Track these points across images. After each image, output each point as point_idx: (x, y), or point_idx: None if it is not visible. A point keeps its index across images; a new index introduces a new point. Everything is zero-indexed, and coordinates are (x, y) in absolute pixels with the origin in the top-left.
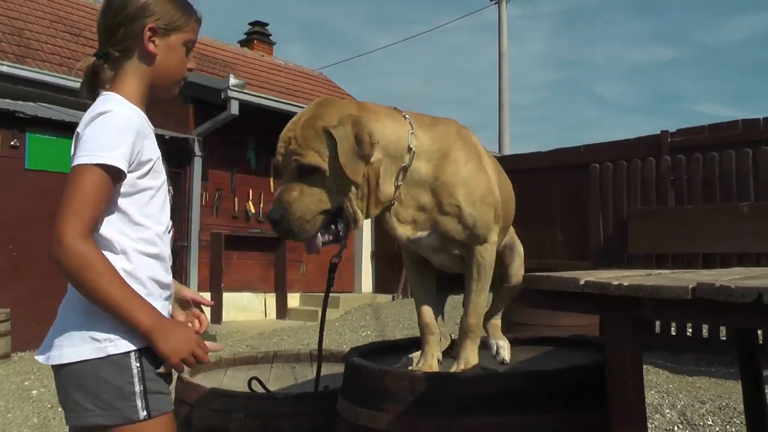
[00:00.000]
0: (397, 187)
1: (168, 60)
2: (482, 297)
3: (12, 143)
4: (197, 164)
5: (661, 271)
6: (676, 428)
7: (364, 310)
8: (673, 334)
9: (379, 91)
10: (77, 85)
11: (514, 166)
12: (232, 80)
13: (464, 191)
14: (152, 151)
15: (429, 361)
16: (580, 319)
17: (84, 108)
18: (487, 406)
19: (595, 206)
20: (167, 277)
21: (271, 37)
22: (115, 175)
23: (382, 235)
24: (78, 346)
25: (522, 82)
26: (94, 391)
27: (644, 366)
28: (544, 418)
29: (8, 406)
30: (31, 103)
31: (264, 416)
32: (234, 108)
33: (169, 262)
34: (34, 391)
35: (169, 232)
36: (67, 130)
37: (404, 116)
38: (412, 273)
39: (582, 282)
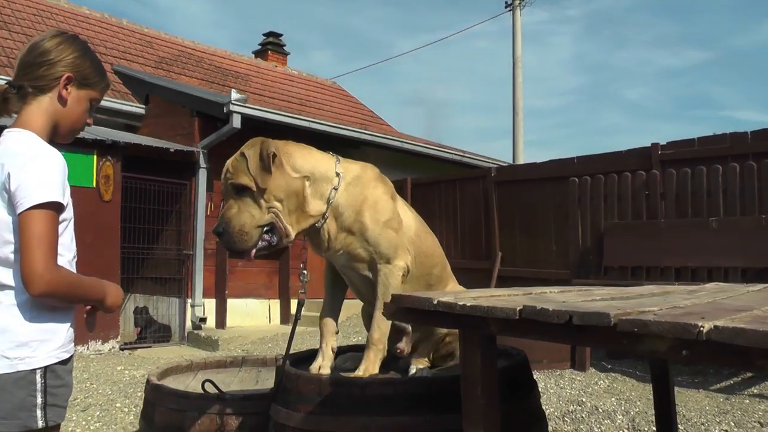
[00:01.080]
0: (328, 204)
1: (74, 108)
2: (384, 317)
3: None
4: (202, 176)
5: (548, 290)
6: None
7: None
8: None
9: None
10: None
11: (511, 176)
12: (234, 95)
13: (370, 213)
14: (67, 188)
15: (323, 360)
16: None
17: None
18: (379, 407)
19: (574, 219)
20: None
21: (284, 48)
22: (58, 209)
23: None
24: None
25: (547, 87)
26: (1, 402)
27: (613, 374)
28: (425, 419)
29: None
30: None
31: (214, 415)
32: (236, 122)
33: None
34: None
35: (74, 259)
36: (76, 144)
37: (332, 154)
38: (326, 284)
39: (435, 302)
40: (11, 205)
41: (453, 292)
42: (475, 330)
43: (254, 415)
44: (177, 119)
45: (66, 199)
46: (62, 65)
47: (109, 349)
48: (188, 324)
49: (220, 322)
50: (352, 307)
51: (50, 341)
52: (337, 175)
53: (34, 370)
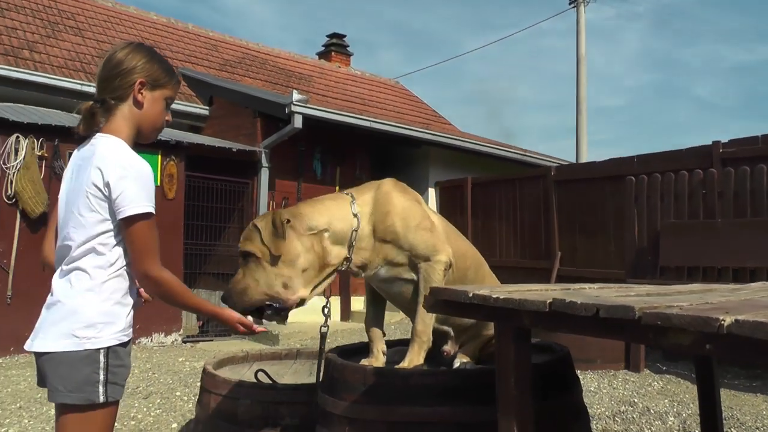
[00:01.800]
0: (351, 247)
1: (151, 109)
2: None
3: None
4: (264, 174)
5: (588, 286)
6: None
7: None
8: None
9: (467, 97)
10: None
11: (571, 176)
12: (296, 96)
13: (398, 220)
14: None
15: (378, 356)
16: None
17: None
18: (420, 397)
19: (631, 218)
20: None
21: (348, 49)
22: (153, 215)
23: None
24: (60, 340)
25: (614, 84)
26: (66, 376)
27: (667, 376)
28: (463, 410)
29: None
30: None
31: (266, 403)
32: (297, 122)
33: None
34: None
35: None
36: (142, 144)
37: (346, 194)
38: (368, 302)
39: (470, 294)
40: (106, 205)
41: (489, 286)
42: (508, 322)
43: (305, 404)
44: (240, 120)
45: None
46: (134, 72)
47: (172, 342)
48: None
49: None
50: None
51: (113, 324)
52: (355, 216)
53: (99, 349)
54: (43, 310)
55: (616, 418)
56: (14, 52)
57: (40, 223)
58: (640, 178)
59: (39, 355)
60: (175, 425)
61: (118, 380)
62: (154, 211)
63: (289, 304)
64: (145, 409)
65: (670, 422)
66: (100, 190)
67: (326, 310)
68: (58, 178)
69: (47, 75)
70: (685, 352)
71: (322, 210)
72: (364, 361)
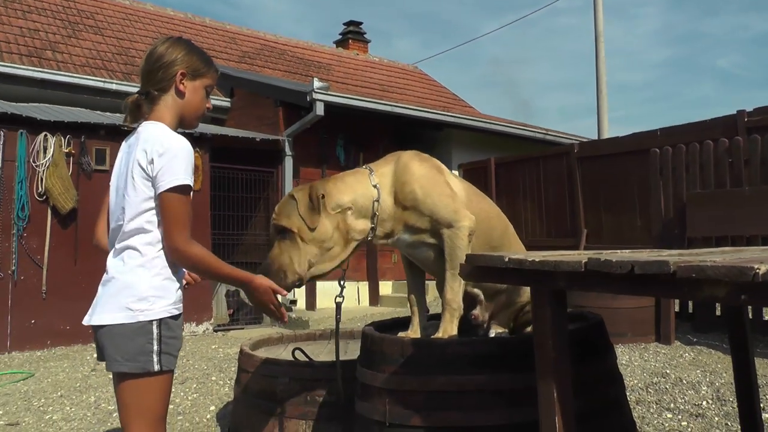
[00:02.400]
0: (374, 217)
1: (193, 98)
2: (456, 277)
3: None
4: (288, 163)
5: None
6: (704, 403)
7: None
8: None
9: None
10: None
11: (594, 152)
12: (317, 83)
13: (418, 187)
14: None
15: (414, 329)
16: (631, 302)
17: None
18: (458, 366)
19: (656, 190)
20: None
21: (365, 36)
22: (190, 190)
23: None
24: (115, 313)
25: (634, 60)
26: (122, 347)
27: (698, 347)
28: (501, 378)
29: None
30: None
31: (303, 380)
32: (319, 109)
33: None
34: None
35: None
36: None
37: (365, 168)
38: (406, 271)
39: (506, 259)
40: (150, 183)
41: (523, 252)
42: (544, 285)
43: (342, 380)
44: (261, 110)
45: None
46: (175, 64)
47: (203, 331)
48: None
49: (310, 303)
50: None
51: (164, 298)
52: (375, 187)
53: (152, 321)
54: (100, 288)
55: (649, 389)
56: (37, 53)
57: (70, 219)
58: (664, 149)
59: (97, 329)
60: (212, 408)
61: (171, 351)
62: (191, 184)
63: (307, 278)
64: (182, 394)
65: (703, 392)
66: (143, 169)
67: (342, 282)
68: (86, 174)
69: (70, 74)
70: (721, 302)
71: (344, 188)
72: (401, 334)
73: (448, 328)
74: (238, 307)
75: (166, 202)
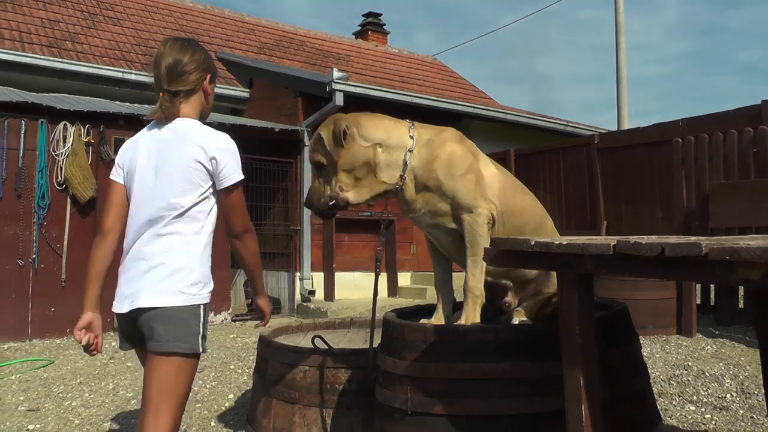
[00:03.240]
0: (404, 168)
1: (211, 98)
2: (477, 264)
3: None
4: (307, 153)
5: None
6: (728, 396)
7: None
8: None
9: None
10: None
11: (615, 143)
12: (336, 73)
13: (442, 168)
14: None
15: (438, 316)
16: (652, 293)
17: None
18: (481, 353)
19: (678, 181)
20: None
21: (384, 27)
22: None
23: None
24: (170, 296)
25: (653, 54)
26: (176, 328)
27: (721, 340)
28: (524, 365)
29: (136, 367)
30: (155, 105)
31: (323, 368)
32: (339, 99)
33: None
34: None
35: None
36: None
37: (408, 121)
38: (431, 254)
39: (533, 242)
40: (207, 178)
41: (550, 237)
42: (571, 269)
43: (363, 368)
44: (280, 101)
45: None
46: (201, 69)
47: (222, 321)
48: (297, 297)
49: (329, 294)
50: (460, 279)
51: (208, 285)
52: (411, 138)
53: (199, 305)
54: (139, 273)
55: (671, 382)
56: (57, 43)
57: (90, 208)
58: (687, 139)
59: (143, 312)
60: (231, 396)
61: (207, 334)
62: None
63: (340, 202)
64: (200, 382)
65: (726, 384)
66: (202, 164)
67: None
68: (105, 163)
69: (90, 64)
70: (756, 286)
71: (377, 124)
72: (423, 321)
73: (470, 316)
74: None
75: (234, 194)
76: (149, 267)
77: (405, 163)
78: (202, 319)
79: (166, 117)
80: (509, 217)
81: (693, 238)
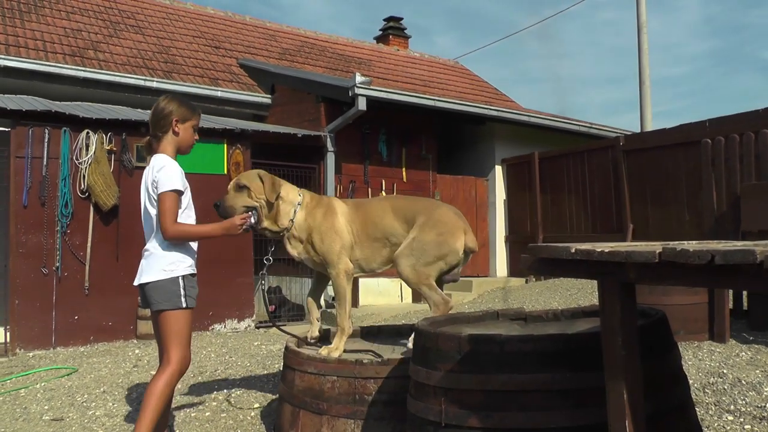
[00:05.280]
0: (291, 221)
1: (184, 135)
2: (342, 306)
3: None
4: (330, 159)
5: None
6: (767, 405)
7: (496, 294)
8: None
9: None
10: (218, 93)
11: (640, 144)
12: (359, 78)
13: (316, 235)
14: (186, 182)
15: (313, 329)
16: (683, 298)
17: (220, 113)
18: (518, 364)
19: (708, 183)
20: (194, 246)
21: (405, 31)
22: (179, 193)
23: (516, 220)
24: (156, 273)
25: (675, 54)
26: (162, 293)
27: (756, 346)
28: (564, 377)
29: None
30: None
31: (352, 378)
32: (361, 104)
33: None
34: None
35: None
36: (208, 135)
37: (295, 186)
38: (313, 276)
39: (573, 250)
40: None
41: (590, 243)
42: (613, 278)
43: (392, 379)
44: (303, 106)
45: (184, 188)
46: (172, 115)
47: (245, 328)
48: (322, 303)
49: (353, 300)
50: (484, 284)
51: (183, 262)
52: (299, 195)
53: (178, 276)
54: (142, 261)
55: (707, 390)
56: (80, 52)
57: (112, 216)
58: (716, 140)
59: (144, 285)
60: (257, 405)
61: (191, 294)
62: (176, 189)
63: (259, 226)
64: (225, 391)
65: (765, 393)
66: (154, 186)
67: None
68: (127, 171)
69: (112, 72)
70: None
71: (285, 186)
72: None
73: (339, 347)
74: (279, 304)
75: (160, 200)
76: (146, 256)
77: (292, 218)
78: (182, 285)
79: (147, 154)
80: (369, 229)
81: (740, 244)
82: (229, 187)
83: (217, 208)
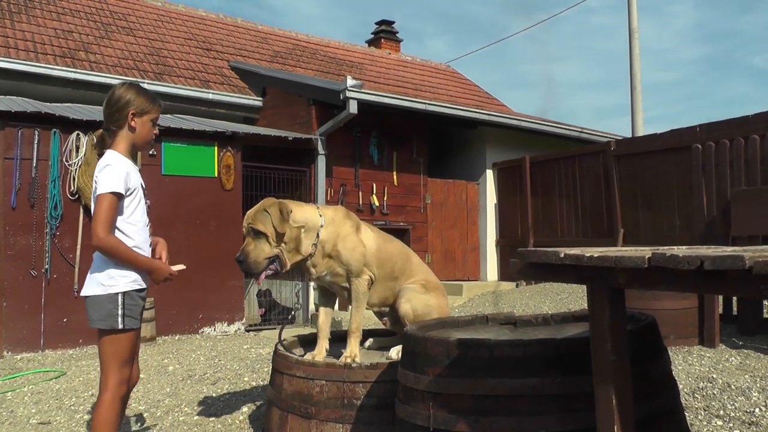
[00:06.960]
0: (315, 245)
1: (141, 130)
2: (358, 312)
3: (151, 152)
4: (321, 162)
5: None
6: (756, 410)
7: (486, 298)
8: None
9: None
10: (209, 96)
11: (631, 149)
12: (350, 81)
13: (342, 244)
14: (135, 182)
15: (318, 351)
16: (673, 303)
17: (211, 116)
18: (507, 368)
19: (698, 188)
20: (146, 246)
21: (397, 35)
22: (119, 196)
23: (507, 224)
24: (94, 287)
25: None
26: (98, 310)
27: (745, 351)
28: (554, 382)
29: (148, 379)
30: (168, 116)
31: (340, 383)
32: (353, 107)
33: (147, 240)
34: (170, 367)
35: (146, 226)
36: (199, 137)
37: (314, 205)
38: (320, 301)
39: (562, 255)
40: None
41: (579, 248)
42: (602, 282)
43: (381, 383)
44: (294, 109)
45: (126, 190)
46: (127, 107)
47: (235, 331)
48: (311, 306)
49: (343, 304)
50: (474, 288)
51: (125, 277)
52: (321, 216)
53: (117, 293)
54: (89, 271)
55: (696, 395)
56: (71, 53)
57: None
58: (707, 145)
59: (84, 298)
60: (245, 409)
61: (132, 314)
62: (115, 191)
63: (283, 270)
64: (214, 395)
65: (754, 398)
66: (94, 185)
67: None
68: None
69: (102, 74)
70: None
71: (300, 211)
72: (308, 355)
73: (354, 350)
74: (269, 308)
75: (96, 204)
76: (91, 269)
77: (317, 238)
78: (120, 303)
79: (99, 150)
80: (383, 262)
81: (730, 249)
82: (243, 231)
83: (240, 264)
